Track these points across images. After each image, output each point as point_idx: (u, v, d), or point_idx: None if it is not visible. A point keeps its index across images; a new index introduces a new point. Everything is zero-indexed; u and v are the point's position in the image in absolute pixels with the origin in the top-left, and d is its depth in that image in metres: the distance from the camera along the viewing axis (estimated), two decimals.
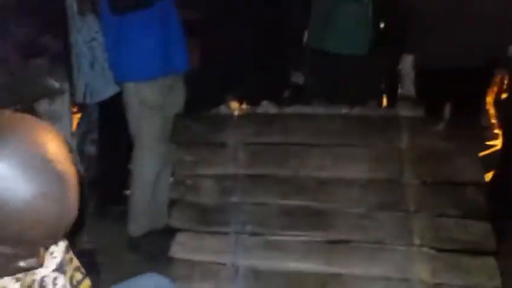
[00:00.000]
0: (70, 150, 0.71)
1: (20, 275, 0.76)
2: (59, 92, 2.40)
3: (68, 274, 0.86)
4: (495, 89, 3.34)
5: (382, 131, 1.83)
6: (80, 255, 1.00)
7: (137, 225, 2.47)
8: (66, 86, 2.45)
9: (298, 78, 2.79)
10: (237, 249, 1.66)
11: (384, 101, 3.25)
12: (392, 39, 2.80)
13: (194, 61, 2.53)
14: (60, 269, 0.84)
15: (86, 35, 2.56)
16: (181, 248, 1.71)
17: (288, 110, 1.96)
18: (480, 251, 1.56)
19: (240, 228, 1.71)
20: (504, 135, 2.37)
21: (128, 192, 2.63)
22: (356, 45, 2.56)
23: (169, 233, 1.88)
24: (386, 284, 1.54)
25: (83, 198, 0.73)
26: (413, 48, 2.60)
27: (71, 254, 0.89)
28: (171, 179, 2.27)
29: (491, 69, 2.59)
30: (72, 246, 0.92)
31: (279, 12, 2.53)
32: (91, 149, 2.93)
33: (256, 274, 1.62)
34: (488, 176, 2.13)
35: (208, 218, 1.77)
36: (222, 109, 1.98)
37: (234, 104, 1.98)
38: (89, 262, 2.07)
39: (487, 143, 3.13)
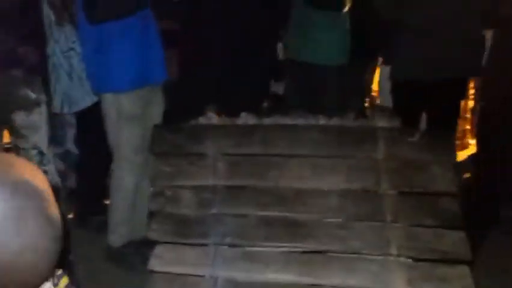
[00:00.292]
0: (48, 162, 0.71)
1: None
2: (36, 103, 2.37)
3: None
4: (470, 99, 3.42)
5: (359, 142, 1.85)
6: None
7: (117, 235, 2.45)
8: (43, 97, 2.43)
9: (277, 88, 2.82)
10: (216, 261, 1.66)
11: (362, 112, 3.29)
12: (369, 51, 2.86)
13: (172, 72, 2.53)
14: None
15: (64, 45, 2.54)
16: (159, 261, 1.70)
17: (267, 120, 1.97)
18: (455, 260, 1.59)
19: (219, 240, 1.71)
20: (478, 144, 2.42)
21: (107, 202, 2.61)
22: (333, 56, 2.59)
23: (149, 243, 1.87)
24: None
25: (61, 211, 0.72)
26: (389, 59, 2.65)
27: (57, 274, 0.88)
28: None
29: (465, 80, 2.65)
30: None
31: (257, 23, 2.55)
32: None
33: (235, 286, 1.62)
34: (463, 185, 2.17)
35: (187, 230, 1.76)
36: (201, 120, 1.98)
37: (213, 115, 1.98)
38: (68, 273, 2.05)
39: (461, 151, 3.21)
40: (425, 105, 2.47)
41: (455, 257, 1.60)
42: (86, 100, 2.59)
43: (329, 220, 1.72)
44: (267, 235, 1.71)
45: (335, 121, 1.93)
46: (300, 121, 1.95)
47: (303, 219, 1.74)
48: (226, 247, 1.70)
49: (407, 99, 2.50)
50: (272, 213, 1.76)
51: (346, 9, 2.63)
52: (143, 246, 2.34)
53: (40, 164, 2.30)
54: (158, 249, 1.73)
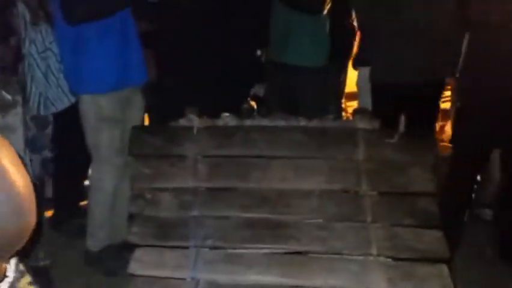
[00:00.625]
0: (24, 164, 0.71)
1: None
2: (12, 105, 2.32)
3: None
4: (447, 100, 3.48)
5: (340, 143, 1.87)
6: (34, 272, 0.97)
7: (96, 239, 2.42)
8: (19, 98, 2.38)
9: (258, 90, 2.82)
10: (198, 264, 1.65)
11: (342, 113, 3.32)
12: (348, 53, 2.89)
13: (152, 73, 2.51)
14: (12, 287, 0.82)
15: (40, 45, 2.50)
16: (140, 265, 1.68)
17: (248, 122, 1.97)
18: (434, 259, 1.61)
19: (201, 243, 1.70)
20: (453, 144, 2.46)
21: (85, 205, 2.58)
22: (313, 58, 2.61)
23: (128, 247, 1.85)
24: None
25: (38, 213, 0.72)
26: (368, 62, 2.68)
27: (22, 269, 0.87)
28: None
29: (443, 82, 2.69)
30: (27, 262, 0.90)
31: (238, 24, 2.55)
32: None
33: None
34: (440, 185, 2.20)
35: (167, 233, 1.74)
36: (181, 122, 1.97)
37: (194, 117, 1.97)
38: (44, 279, 2.01)
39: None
40: (404, 107, 2.50)
41: (433, 256, 1.62)
42: (64, 101, 2.55)
43: (310, 221, 1.73)
44: (248, 237, 1.71)
45: (315, 123, 1.94)
46: (281, 123, 1.96)
47: (284, 221, 1.74)
48: (207, 249, 1.70)
49: (386, 101, 2.53)
50: (254, 214, 1.76)
51: (325, 11, 2.65)
52: (123, 250, 2.31)
53: None
54: (139, 253, 1.71)
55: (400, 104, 2.53)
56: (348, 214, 1.74)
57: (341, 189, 1.80)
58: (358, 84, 2.70)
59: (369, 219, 1.71)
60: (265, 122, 1.97)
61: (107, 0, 2.21)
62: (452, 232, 1.76)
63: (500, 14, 2.18)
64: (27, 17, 2.47)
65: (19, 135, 2.38)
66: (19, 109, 2.38)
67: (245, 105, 2.75)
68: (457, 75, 2.51)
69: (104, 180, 2.39)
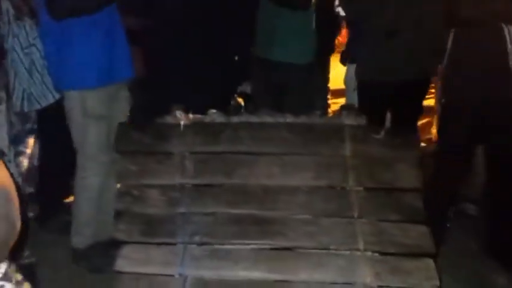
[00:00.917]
0: (8, 162, 0.71)
1: None
2: None
3: (14, 280, 0.84)
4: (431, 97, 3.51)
5: (327, 139, 1.88)
6: (19, 270, 0.97)
7: (82, 237, 2.40)
8: (3, 94, 2.34)
9: (245, 87, 2.82)
10: (185, 260, 1.64)
11: (329, 110, 3.34)
12: (331, 49, 2.90)
13: (139, 70, 2.49)
14: (6, 277, 0.82)
15: (24, 40, 2.46)
16: (127, 262, 1.67)
17: (235, 119, 1.97)
18: (420, 253, 1.63)
19: (188, 239, 1.69)
20: (439, 141, 2.49)
21: (71, 202, 2.55)
22: (299, 54, 2.61)
23: (115, 244, 1.83)
24: None
25: (23, 211, 0.72)
26: (354, 59, 2.69)
27: (13, 267, 0.87)
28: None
29: (428, 80, 2.72)
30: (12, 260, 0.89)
31: (225, 21, 2.55)
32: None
33: (204, 284, 1.61)
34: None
35: (154, 229, 1.74)
36: (168, 119, 1.96)
37: (180, 114, 1.96)
38: (30, 277, 1.99)
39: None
40: (389, 104, 2.53)
41: (419, 250, 1.64)
42: (48, 98, 2.52)
43: (298, 217, 1.74)
44: (235, 233, 1.71)
45: (302, 119, 1.95)
46: (268, 119, 1.96)
47: (271, 217, 1.74)
48: (195, 246, 1.69)
49: (372, 98, 2.56)
50: (241, 210, 1.76)
51: (311, 8, 2.66)
52: (109, 248, 2.29)
53: None
54: (125, 250, 1.70)
55: (385, 101, 2.55)
56: (335, 210, 1.75)
57: (328, 185, 1.81)
58: (346, 81, 2.73)
59: (356, 214, 1.72)
60: (252, 118, 1.98)
61: None
62: (438, 227, 1.77)
63: (486, 12, 2.21)
64: (11, 12, 2.44)
65: (3, 133, 2.35)
66: (3, 107, 2.35)
67: (232, 102, 2.75)
68: (442, 73, 2.52)
69: (90, 177, 2.37)
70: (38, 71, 2.49)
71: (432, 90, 3.34)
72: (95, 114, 2.32)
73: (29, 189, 2.71)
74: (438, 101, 2.53)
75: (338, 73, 3.49)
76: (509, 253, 2.44)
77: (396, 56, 2.50)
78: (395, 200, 1.77)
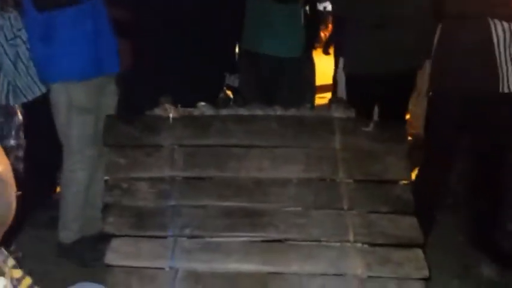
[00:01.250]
0: None
1: None
2: None
3: (8, 275, 0.82)
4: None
5: (316, 132, 1.88)
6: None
7: (69, 231, 2.37)
8: None
9: (233, 81, 2.81)
10: (176, 253, 1.64)
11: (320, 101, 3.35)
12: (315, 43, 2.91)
13: (126, 62, 2.47)
14: None
15: (9, 32, 2.41)
16: (116, 255, 1.65)
17: (224, 111, 1.97)
18: (409, 244, 1.65)
19: (179, 232, 1.69)
20: (426, 133, 2.52)
21: (57, 196, 2.52)
22: (288, 48, 2.61)
23: (103, 238, 1.82)
24: (323, 280, 1.59)
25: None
26: (342, 52, 2.70)
27: (5, 253, 0.85)
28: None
29: (415, 73, 2.75)
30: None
31: (214, 13, 2.53)
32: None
33: (196, 277, 1.60)
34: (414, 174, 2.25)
35: (144, 222, 1.72)
36: (156, 111, 1.95)
37: (169, 106, 1.95)
38: None
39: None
40: (377, 97, 2.55)
41: (408, 241, 1.66)
42: (34, 91, 2.47)
43: (288, 209, 1.74)
44: (226, 225, 1.70)
45: (292, 112, 1.95)
46: (258, 112, 1.96)
47: (262, 209, 1.74)
48: (185, 239, 1.68)
49: (360, 91, 2.57)
50: (231, 203, 1.76)
51: (300, 1, 2.66)
52: (98, 242, 2.28)
53: None
54: (115, 243, 1.68)
55: (373, 94, 2.57)
56: (325, 202, 1.75)
57: (318, 177, 1.82)
58: (338, 74, 2.74)
59: (346, 206, 1.73)
60: (241, 111, 1.97)
61: None
62: (425, 219, 1.79)
63: (474, 5, 2.23)
64: None
65: None
66: None
67: (221, 95, 2.73)
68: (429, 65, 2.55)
69: (77, 171, 2.34)
70: (23, 63, 2.45)
71: None
72: (81, 107, 2.29)
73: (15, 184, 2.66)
74: (425, 94, 2.55)
75: (320, 68, 3.50)
76: (494, 245, 2.49)
77: (384, 49, 2.51)
78: (385, 192, 1.79)
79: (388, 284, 1.57)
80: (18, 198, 0.74)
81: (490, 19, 2.23)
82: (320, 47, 3.30)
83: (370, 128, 1.90)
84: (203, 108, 1.98)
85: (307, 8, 2.65)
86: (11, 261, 0.86)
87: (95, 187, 2.37)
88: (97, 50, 2.26)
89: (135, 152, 1.86)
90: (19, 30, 2.42)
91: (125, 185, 1.81)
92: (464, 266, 2.39)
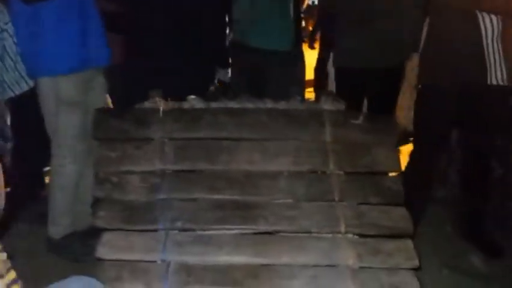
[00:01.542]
0: None
1: None
2: None
3: (5, 279, 0.82)
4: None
5: (307, 125, 1.89)
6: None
7: (59, 226, 2.36)
8: None
9: (224, 76, 2.80)
10: (167, 246, 1.63)
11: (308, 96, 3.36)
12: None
13: (116, 56, 2.45)
14: None
15: None
16: (108, 249, 1.64)
17: (215, 104, 1.96)
18: (399, 235, 1.66)
19: (170, 225, 1.68)
20: (415, 126, 2.54)
21: (46, 192, 2.50)
22: (278, 41, 2.61)
23: (93, 233, 1.81)
24: (314, 271, 1.59)
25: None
26: (332, 47, 2.71)
27: (1, 256, 0.85)
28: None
29: (402, 67, 2.76)
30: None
31: (203, 7, 2.52)
32: None
33: (187, 269, 1.60)
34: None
35: (135, 216, 1.72)
36: (146, 104, 1.94)
37: (159, 99, 1.94)
38: None
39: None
40: (367, 90, 2.56)
41: (399, 232, 1.67)
42: (22, 85, 2.45)
43: (279, 201, 1.74)
44: (218, 218, 1.70)
45: (282, 105, 1.95)
46: (248, 105, 1.96)
47: (253, 201, 1.74)
48: (177, 232, 1.68)
49: (349, 84, 2.58)
50: (222, 196, 1.76)
51: None
52: (87, 237, 2.27)
53: None
54: (106, 237, 1.67)
55: (362, 87, 2.58)
56: (316, 194, 1.76)
57: (309, 169, 1.82)
58: (329, 67, 2.76)
59: (336, 198, 1.74)
60: (232, 104, 1.97)
61: None
62: (415, 210, 1.81)
63: None
64: None
65: None
66: None
67: (211, 88, 2.72)
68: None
69: (66, 166, 2.33)
70: (10, 58, 2.42)
71: None
72: (70, 101, 2.27)
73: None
74: (414, 86, 2.57)
75: (310, 63, 3.51)
76: (482, 235, 2.52)
77: (373, 43, 2.53)
78: (375, 183, 1.80)
79: (379, 274, 1.58)
80: (7, 194, 0.73)
81: (477, 11, 2.24)
82: (307, 41, 3.30)
83: (360, 120, 1.91)
84: (193, 101, 1.97)
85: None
86: (7, 263, 0.85)
87: (84, 182, 2.36)
88: (84, 43, 2.24)
89: (125, 146, 1.85)
90: (6, 23, 2.39)
91: (115, 179, 1.80)
92: (453, 256, 2.42)
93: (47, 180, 2.60)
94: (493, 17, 2.24)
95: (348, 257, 1.60)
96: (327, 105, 1.94)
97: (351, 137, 1.87)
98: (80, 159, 2.33)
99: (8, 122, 2.61)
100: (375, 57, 2.53)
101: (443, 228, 2.64)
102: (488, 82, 2.28)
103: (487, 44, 2.25)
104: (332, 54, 2.68)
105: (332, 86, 2.74)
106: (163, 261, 1.61)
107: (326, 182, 1.78)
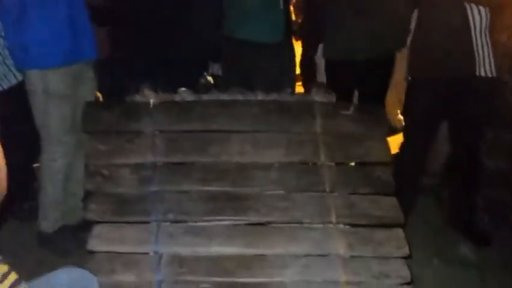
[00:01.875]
0: None
1: None
2: None
3: None
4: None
5: (298, 116, 1.90)
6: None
7: (49, 220, 2.35)
8: None
9: (217, 70, 2.79)
10: (160, 238, 1.64)
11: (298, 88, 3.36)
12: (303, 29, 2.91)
13: (105, 49, 2.43)
14: None
15: None
16: (99, 241, 1.64)
17: (206, 97, 1.96)
18: (390, 224, 1.68)
19: (162, 217, 1.68)
20: (405, 116, 2.56)
21: (36, 186, 2.49)
22: (268, 33, 2.61)
23: (85, 227, 1.80)
24: (306, 260, 1.61)
25: None
26: (322, 38, 2.71)
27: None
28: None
29: (393, 58, 2.77)
30: None
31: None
32: None
33: (180, 261, 1.60)
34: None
35: (127, 209, 1.72)
36: (136, 97, 1.93)
37: (150, 92, 1.93)
38: None
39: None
40: (357, 81, 2.57)
41: (389, 221, 1.69)
42: (10, 79, 2.42)
43: (271, 192, 1.75)
44: (209, 210, 1.71)
45: (273, 96, 1.96)
46: (239, 97, 1.96)
47: (245, 193, 1.75)
48: (168, 223, 1.69)
49: (339, 76, 2.58)
50: (214, 188, 1.76)
51: None
52: (79, 231, 2.26)
53: None
54: (97, 229, 1.67)
55: (353, 79, 2.59)
56: (307, 185, 1.77)
57: (300, 161, 1.83)
58: (317, 59, 2.76)
59: (327, 189, 1.75)
60: (223, 96, 1.97)
61: None
62: (404, 200, 1.82)
63: None
64: None
65: None
66: None
67: (202, 80, 2.71)
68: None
69: (56, 159, 2.31)
70: None
71: None
72: (58, 95, 2.25)
73: None
74: (404, 78, 2.58)
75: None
76: (471, 225, 2.55)
77: (363, 35, 2.53)
78: (365, 173, 1.82)
79: (370, 263, 1.60)
80: None
81: (466, 3, 2.26)
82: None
83: (350, 111, 1.92)
84: (184, 93, 1.97)
85: None
86: (12, 277, 0.85)
87: (75, 175, 2.34)
88: (72, 35, 2.22)
89: (116, 139, 1.85)
90: None
91: (106, 172, 1.79)
92: (443, 246, 2.45)
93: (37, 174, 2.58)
94: (481, 8, 2.26)
95: (340, 247, 1.62)
96: (318, 97, 1.95)
97: (342, 128, 1.88)
98: (69, 153, 2.31)
99: None
100: (365, 49, 2.53)
101: (433, 219, 2.67)
102: (477, 74, 2.30)
103: (476, 35, 2.27)
104: (320, 46, 2.67)
105: (321, 78, 2.74)
106: (155, 252, 1.62)
107: (317, 173, 1.79)
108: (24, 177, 2.67)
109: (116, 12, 2.53)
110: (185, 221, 1.69)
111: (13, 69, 2.40)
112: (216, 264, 1.59)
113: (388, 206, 1.73)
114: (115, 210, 1.71)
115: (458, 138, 2.46)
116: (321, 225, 1.68)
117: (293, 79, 2.85)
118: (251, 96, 1.96)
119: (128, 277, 1.57)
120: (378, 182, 1.79)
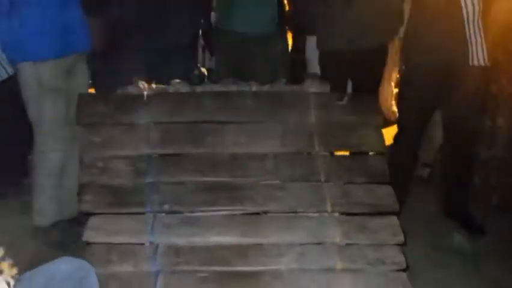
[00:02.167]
0: None
1: None
2: None
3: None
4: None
5: (292, 107, 1.91)
6: None
7: (44, 214, 2.34)
8: None
9: (210, 63, 2.78)
10: (155, 228, 1.64)
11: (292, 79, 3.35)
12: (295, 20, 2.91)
13: (98, 42, 2.42)
14: None
15: None
16: (95, 232, 1.64)
17: (200, 88, 1.97)
18: (384, 212, 1.69)
19: (157, 208, 1.69)
20: (398, 107, 2.56)
21: (29, 181, 2.48)
22: (261, 24, 2.60)
23: (80, 220, 1.80)
24: (302, 249, 1.61)
25: None
26: (315, 29, 2.71)
27: None
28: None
29: (385, 49, 2.77)
30: None
31: None
32: None
33: (176, 251, 1.61)
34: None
35: (122, 200, 1.72)
36: (130, 89, 1.93)
37: (143, 84, 1.93)
38: None
39: None
40: (351, 72, 2.57)
41: (384, 209, 1.70)
42: (1, 73, 2.40)
43: (266, 182, 1.76)
44: (205, 200, 1.71)
45: (267, 87, 1.97)
46: (233, 88, 1.96)
47: (240, 183, 1.76)
48: (164, 214, 1.69)
49: (333, 67, 2.59)
50: (209, 178, 1.77)
51: None
52: (74, 225, 2.25)
53: None
54: (93, 221, 1.67)
55: (346, 69, 2.59)
56: (302, 174, 1.78)
57: (295, 151, 1.84)
58: (310, 50, 2.76)
59: (322, 178, 1.77)
60: (217, 87, 1.98)
61: None
62: (399, 190, 1.84)
63: None
64: None
65: None
66: None
67: (196, 72, 2.71)
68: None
69: (49, 153, 2.30)
70: None
71: None
72: (51, 87, 2.24)
73: None
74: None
75: None
76: (465, 214, 2.57)
77: (357, 25, 2.53)
78: (360, 163, 1.83)
79: (365, 250, 1.61)
80: None
81: None
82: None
83: (344, 101, 1.93)
84: (178, 85, 1.97)
85: None
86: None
87: (69, 168, 2.34)
88: (64, 27, 2.21)
89: (110, 131, 1.85)
90: None
91: (101, 164, 1.79)
92: (437, 235, 2.47)
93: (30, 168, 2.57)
94: None
95: (335, 235, 1.63)
96: (313, 87, 1.96)
97: (336, 118, 1.90)
98: (63, 146, 2.30)
99: None
100: (359, 39, 2.53)
101: (427, 208, 2.69)
102: (470, 63, 2.31)
103: (468, 24, 2.27)
104: (313, 38, 2.67)
105: (312, 68, 2.74)
106: (151, 243, 1.62)
107: (312, 162, 1.81)
108: (17, 172, 2.66)
109: (108, 5, 2.51)
110: (181, 212, 1.70)
111: (4, 62, 2.38)
112: (213, 253, 1.60)
113: (383, 194, 1.74)
114: (111, 202, 1.71)
115: (452, 127, 2.47)
116: (316, 214, 1.69)
117: (287, 70, 2.84)
118: (245, 87, 1.97)
119: (125, 268, 1.57)
120: (372, 171, 1.80)
